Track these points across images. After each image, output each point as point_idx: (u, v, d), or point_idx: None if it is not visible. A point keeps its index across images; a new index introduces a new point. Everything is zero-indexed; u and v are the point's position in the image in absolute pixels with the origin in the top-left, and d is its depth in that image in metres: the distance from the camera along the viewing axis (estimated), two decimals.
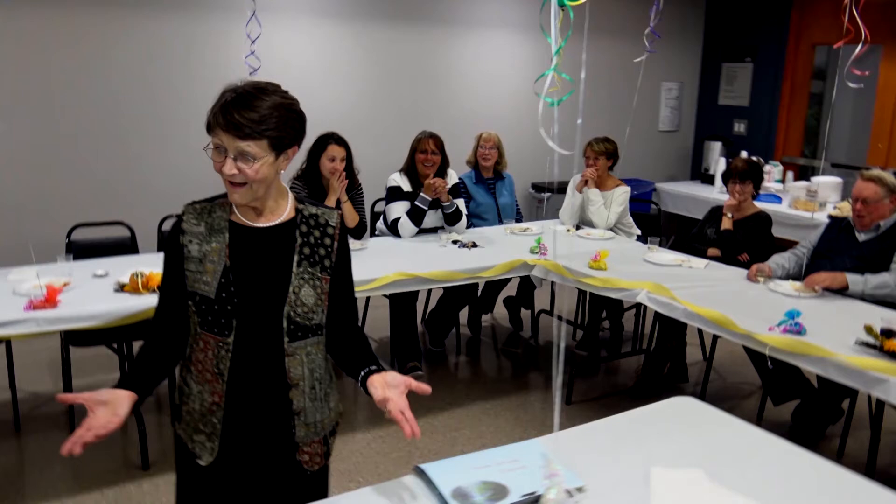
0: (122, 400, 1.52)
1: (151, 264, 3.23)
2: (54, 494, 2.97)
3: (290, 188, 3.95)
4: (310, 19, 5.52)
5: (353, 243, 3.91)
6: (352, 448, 3.40)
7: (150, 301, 2.93)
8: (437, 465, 1.68)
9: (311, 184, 4.01)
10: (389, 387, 1.61)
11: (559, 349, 1.53)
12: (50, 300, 2.80)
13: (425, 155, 4.27)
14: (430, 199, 4.19)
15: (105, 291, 3.03)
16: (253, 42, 3.08)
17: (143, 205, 4.87)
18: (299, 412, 1.69)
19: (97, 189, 4.94)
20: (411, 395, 1.62)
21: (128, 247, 3.92)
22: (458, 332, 4.79)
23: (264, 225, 1.66)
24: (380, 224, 4.54)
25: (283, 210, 1.68)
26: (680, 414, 2.02)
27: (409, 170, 4.32)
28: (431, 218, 4.31)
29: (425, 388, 1.64)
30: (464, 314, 4.81)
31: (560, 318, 4.72)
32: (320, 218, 1.71)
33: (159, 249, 3.96)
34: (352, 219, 4.08)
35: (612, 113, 6.84)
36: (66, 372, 3.31)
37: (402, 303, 4.21)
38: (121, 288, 3.03)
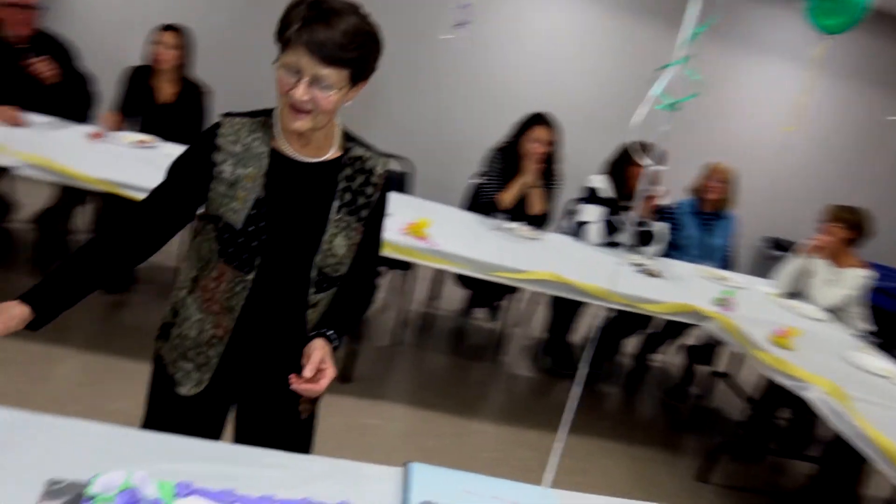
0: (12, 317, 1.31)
1: None
2: None
3: (487, 157, 3.87)
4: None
5: (528, 232, 3.71)
6: (391, 422, 3.26)
7: None
8: (427, 469, 1.48)
9: (508, 159, 3.87)
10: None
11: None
12: None
13: (640, 168, 3.92)
14: (632, 214, 3.86)
15: None
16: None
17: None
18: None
19: None
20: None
21: None
22: (619, 360, 4.40)
23: (308, 160, 1.50)
24: (565, 222, 4.28)
25: (331, 145, 1.53)
26: None
27: (615, 175, 3.99)
28: (622, 233, 3.96)
29: (315, 388, 1.40)
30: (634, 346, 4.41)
31: (742, 394, 4.12)
32: (367, 162, 1.56)
33: None
34: (538, 207, 3.88)
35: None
36: None
37: (562, 308, 3.96)
38: None
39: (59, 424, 1.34)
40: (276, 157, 1.49)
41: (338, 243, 1.52)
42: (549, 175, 3.92)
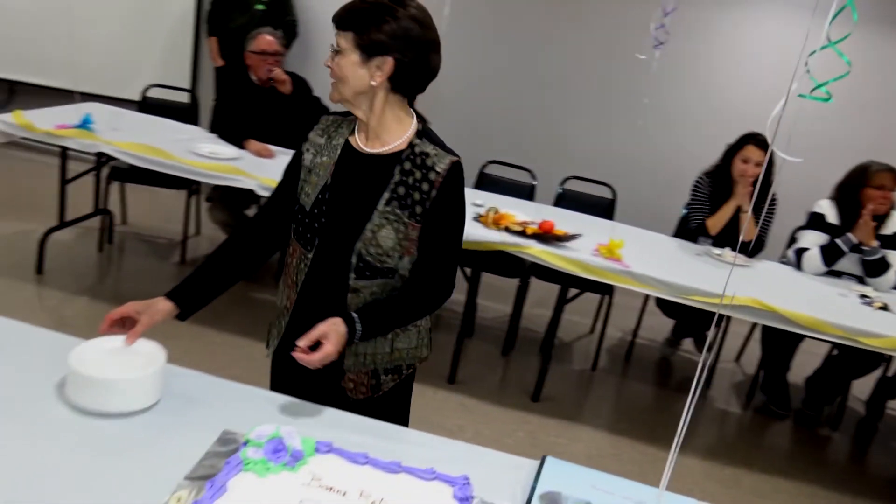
0: (161, 310, 1.56)
1: (508, 205, 3.47)
2: None
3: (695, 183, 3.73)
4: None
5: (737, 258, 3.50)
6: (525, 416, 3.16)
7: (493, 237, 3.14)
8: (561, 464, 1.49)
9: (718, 182, 3.70)
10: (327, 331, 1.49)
11: None
12: None
13: (881, 192, 3.54)
14: (855, 241, 3.49)
15: (466, 217, 3.33)
16: (666, 14, 2.91)
17: (549, 157, 5.10)
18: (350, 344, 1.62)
19: (506, 133, 5.34)
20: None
21: (527, 192, 4.19)
22: (845, 404, 3.95)
23: (369, 151, 1.59)
24: (790, 251, 3.95)
25: (396, 139, 1.58)
26: None
27: (844, 200, 3.63)
28: (848, 262, 3.58)
29: (308, 359, 1.45)
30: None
31: None
32: (429, 159, 1.55)
33: (555, 203, 4.14)
34: (750, 233, 3.64)
35: None
36: None
37: (776, 342, 3.66)
38: (477, 217, 3.29)
39: (231, 386, 1.57)
40: (347, 148, 1.62)
41: (384, 235, 1.56)
42: (762, 199, 3.67)
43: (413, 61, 1.51)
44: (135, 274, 4.15)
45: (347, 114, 1.65)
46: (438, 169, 1.54)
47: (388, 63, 1.49)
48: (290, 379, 1.70)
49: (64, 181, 4.00)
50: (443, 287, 1.65)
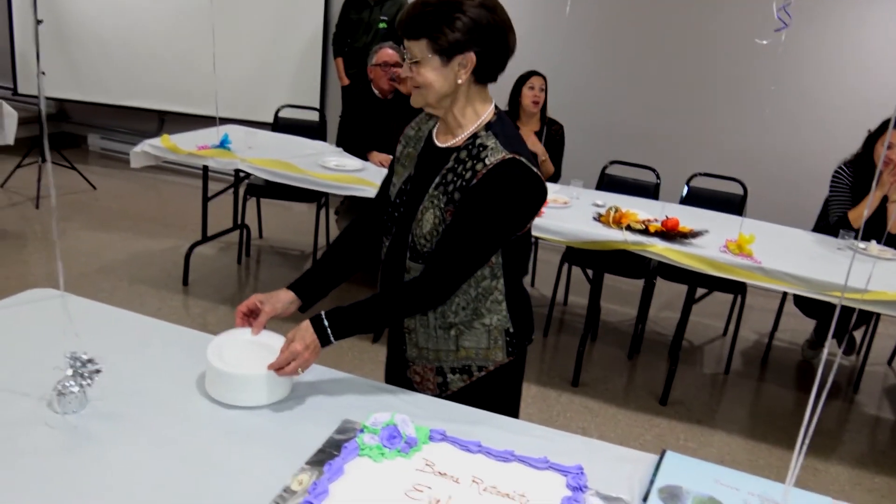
0: (282, 300, 1.67)
1: (631, 205, 3.40)
2: None
3: (835, 173, 3.50)
4: None
5: (884, 252, 3.24)
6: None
7: (615, 235, 3.09)
8: (682, 459, 1.44)
9: (860, 171, 3.46)
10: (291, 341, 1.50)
11: None
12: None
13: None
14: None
15: (585, 216, 3.29)
16: None
17: (674, 156, 4.92)
18: (410, 331, 1.67)
19: (628, 132, 5.20)
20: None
21: (651, 191, 4.08)
22: None
23: (441, 145, 1.60)
24: None
25: (465, 131, 1.56)
26: None
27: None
28: None
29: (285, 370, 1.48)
30: None
31: None
32: (484, 151, 1.50)
33: (681, 202, 4.00)
34: None
35: None
36: None
37: None
38: (598, 217, 3.25)
39: (352, 379, 1.65)
40: (428, 141, 1.64)
41: (426, 218, 1.55)
42: None
43: (492, 49, 1.49)
44: (270, 284, 4.39)
45: None
46: (487, 161, 1.48)
47: (469, 59, 1.47)
48: (387, 367, 1.82)
49: (206, 199, 4.31)
50: (436, 289, 1.55)
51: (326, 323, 1.51)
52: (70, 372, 1.40)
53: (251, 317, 1.66)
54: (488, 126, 1.55)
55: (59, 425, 1.36)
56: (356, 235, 1.79)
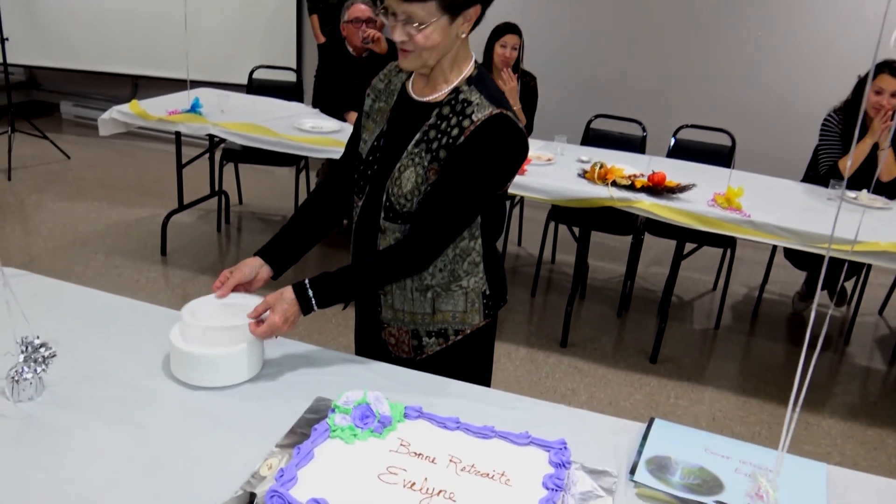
0: (251, 265, 1.60)
1: (617, 160, 3.31)
2: None
3: (825, 121, 3.42)
4: None
5: (875, 201, 3.18)
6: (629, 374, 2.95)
7: (600, 192, 3.01)
8: (670, 426, 1.39)
9: (850, 118, 3.37)
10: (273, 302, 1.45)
11: None
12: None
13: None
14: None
15: (570, 173, 3.20)
16: None
17: (660, 108, 4.81)
18: (385, 293, 1.59)
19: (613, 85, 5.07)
20: None
21: (637, 145, 3.99)
22: None
23: (420, 99, 1.51)
24: None
25: (449, 85, 1.48)
26: None
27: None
28: None
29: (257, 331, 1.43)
30: None
31: None
32: (469, 107, 1.43)
33: (668, 155, 3.92)
34: (887, 171, 3.31)
35: None
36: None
37: None
38: (583, 174, 3.16)
39: (325, 354, 1.57)
40: (402, 95, 1.55)
41: (406, 176, 1.48)
42: None
43: None
44: (252, 251, 4.27)
45: None
46: (475, 118, 1.42)
47: (475, 12, 1.41)
48: (357, 331, 1.74)
49: (180, 165, 4.18)
50: (425, 251, 1.50)
51: (311, 293, 1.45)
52: (22, 358, 1.32)
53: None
54: (469, 80, 1.48)
55: (13, 415, 1.29)
56: (325, 196, 1.69)
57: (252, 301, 1.51)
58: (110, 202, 4.73)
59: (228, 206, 4.60)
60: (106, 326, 1.61)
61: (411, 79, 1.55)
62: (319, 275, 1.48)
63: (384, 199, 1.52)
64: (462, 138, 1.42)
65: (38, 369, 1.33)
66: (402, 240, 1.50)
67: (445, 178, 1.45)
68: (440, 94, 1.49)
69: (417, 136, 1.48)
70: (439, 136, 1.45)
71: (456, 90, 1.47)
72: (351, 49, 3.90)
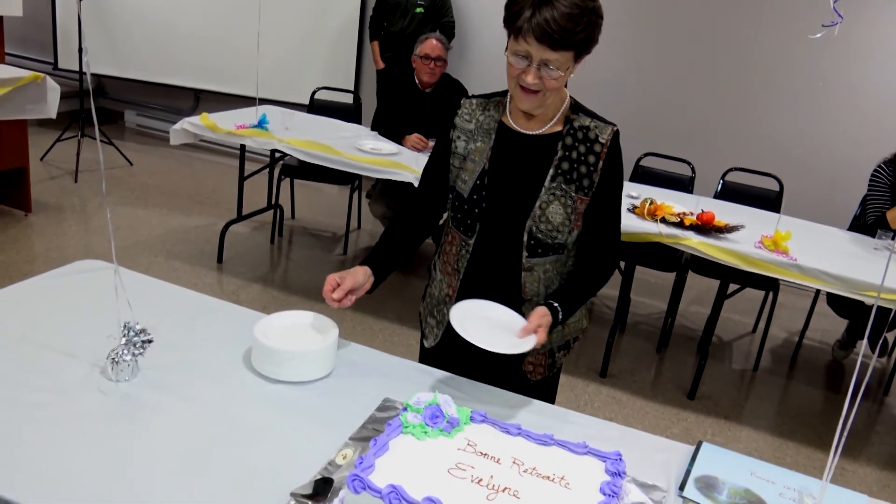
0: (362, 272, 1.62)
1: (665, 198, 3.40)
2: None
3: (874, 171, 3.46)
4: None
5: None
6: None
7: (649, 227, 3.08)
8: (717, 450, 1.46)
9: None
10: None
11: None
12: None
13: None
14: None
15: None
16: None
17: (710, 149, 4.87)
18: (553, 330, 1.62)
19: (664, 125, 5.15)
20: None
21: (685, 184, 4.06)
22: None
23: (531, 132, 1.59)
24: None
25: (553, 116, 1.58)
26: None
27: None
28: None
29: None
30: None
31: None
32: (590, 132, 1.57)
33: (717, 196, 3.98)
34: None
35: None
36: None
37: None
38: (633, 209, 3.24)
39: (392, 360, 1.69)
40: (504, 131, 1.61)
41: (552, 210, 1.57)
42: None
43: None
44: (302, 264, 4.44)
45: (491, 95, 1.66)
46: (602, 140, 1.56)
47: (588, 53, 1.51)
48: (464, 367, 1.69)
49: (242, 178, 4.36)
50: (615, 255, 1.67)
51: (560, 314, 1.56)
52: (123, 341, 1.45)
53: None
54: (573, 108, 1.60)
55: (112, 392, 1.41)
56: (411, 219, 1.75)
57: (318, 320, 1.64)
58: (170, 209, 4.92)
59: (283, 220, 4.77)
60: (189, 320, 1.74)
61: (508, 114, 1.62)
62: (555, 292, 1.63)
63: (526, 238, 1.60)
64: (601, 162, 1.56)
65: (136, 352, 1.46)
66: (598, 253, 1.64)
67: (607, 196, 1.59)
68: (549, 125, 1.59)
69: (552, 172, 1.57)
70: (575, 165, 1.56)
71: (568, 120, 1.58)
72: (417, 81, 4.05)
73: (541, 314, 1.52)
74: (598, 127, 1.57)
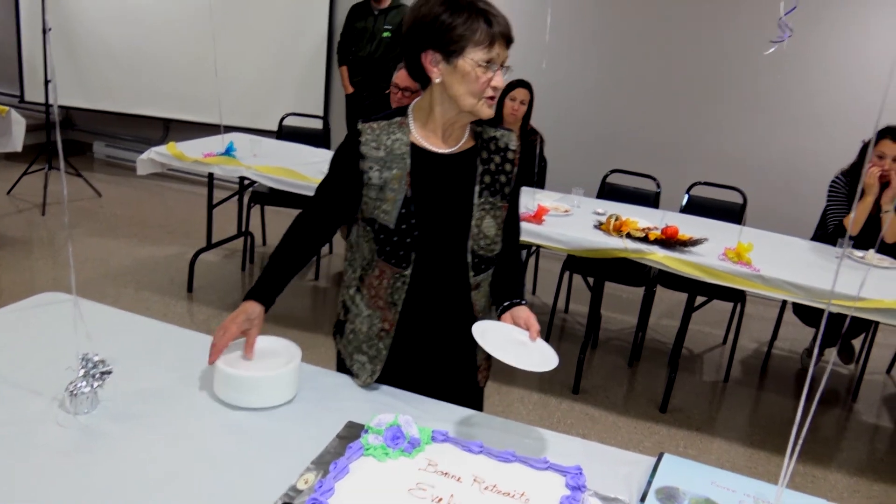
0: (257, 315, 1.59)
1: (631, 213, 3.43)
2: None
3: (832, 182, 3.54)
4: None
5: (880, 261, 3.28)
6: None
7: (615, 243, 3.12)
8: (678, 461, 1.48)
9: (856, 181, 3.49)
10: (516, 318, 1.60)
11: None
12: (537, 216, 3.24)
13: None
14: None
15: (586, 224, 3.33)
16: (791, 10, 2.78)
17: (674, 165, 4.95)
18: None
19: (628, 142, 5.25)
20: None
21: (651, 200, 4.12)
22: None
23: (447, 151, 1.58)
24: None
25: (466, 133, 1.61)
26: None
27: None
28: None
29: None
30: None
31: None
32: (500, 141, 1.63)
33: (682, 211, 4.04)
34: (892, 234, 3.41)
35: None
36: None
37: None
38: (598, 225, 3.28)
39: (349, 382, 1.70)
40: (418, 153, 1.56)
41: (486, 225, 1.60)
42: None
43: None
44: None
45: (387, 116, 1.59)
46: (512, 147, 1.64)
47: None
48: (416, 383, 1.67)
49: (211, 206, 4.35)
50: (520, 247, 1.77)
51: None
52: (82, 373, 1.44)
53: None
54: (477, 122, 1.63)
55: (71, 425, 1.40)
56: (302, 237, 1.69)
57: (278, 343, 1.64)
58: (140, 239, 4.89)
59: (253, 247, 4.76)
60: (150, 349, 1.73)
61: (416, 137, 1.57)
62: (510, 290, 1.67)
63: (470, 258, 1.61)
64: (515, 168, 1.64)
65: (95, 384, 1.45)
66: (516, 247, 1.73)
67: (516, 198, 1.69)
68: (462, 142, 1.61)
69: (477, 188, 1.59)
70: (496, 176, 1.61)
71: (477, 134, 1.63)
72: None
73: (528, 313, 1.59)
74: (503, 135, 1.65)
